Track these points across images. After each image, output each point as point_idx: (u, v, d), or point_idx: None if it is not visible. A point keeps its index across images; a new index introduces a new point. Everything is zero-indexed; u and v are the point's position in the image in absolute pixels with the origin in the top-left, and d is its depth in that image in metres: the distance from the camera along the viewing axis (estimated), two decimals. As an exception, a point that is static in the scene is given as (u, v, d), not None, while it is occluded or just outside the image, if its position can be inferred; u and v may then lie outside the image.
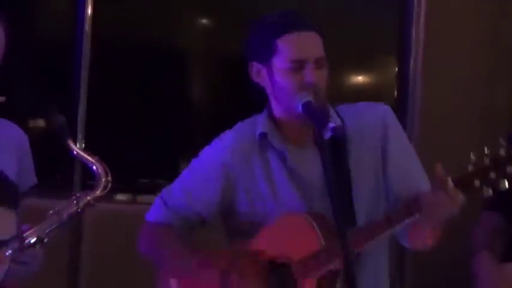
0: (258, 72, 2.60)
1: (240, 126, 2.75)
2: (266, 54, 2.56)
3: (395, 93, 4.39)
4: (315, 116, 2.39)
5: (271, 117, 2.64)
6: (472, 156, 2.34)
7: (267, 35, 2.60)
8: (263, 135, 2.61)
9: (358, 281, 2.34)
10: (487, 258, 3.38)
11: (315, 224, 2.50)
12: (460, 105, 4.29)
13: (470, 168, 2.32)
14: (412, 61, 4.31)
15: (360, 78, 4.51)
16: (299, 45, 2.56)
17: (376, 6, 4.41)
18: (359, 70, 4.51)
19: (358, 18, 4.36)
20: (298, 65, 2.50)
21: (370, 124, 2.65)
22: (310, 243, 2.52)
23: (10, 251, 2.44)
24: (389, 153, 2.65)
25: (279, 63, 2.54)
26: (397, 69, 4.35)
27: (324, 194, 2.49)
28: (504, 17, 4.38)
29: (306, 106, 2.42)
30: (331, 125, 2.34)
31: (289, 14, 2.63)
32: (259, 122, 2.67)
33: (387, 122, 2.67)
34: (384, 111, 2.70)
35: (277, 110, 2.63)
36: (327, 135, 2.34)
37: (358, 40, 4.27)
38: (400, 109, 4.22)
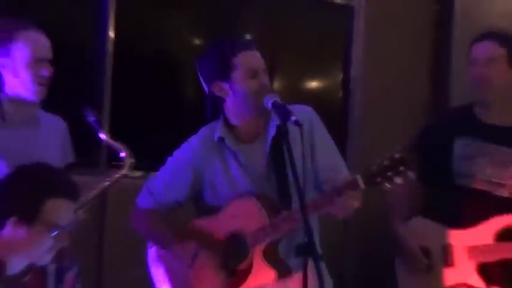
0: (220, 88, 3.31)
1: (202, 131, 3.47)
2: (226, 72, 3.30)
3: (341, 95, 5.31)
4: (281, 111, 3.07)
5: (227, 124, 3.39)
6: (378, 160, 3.10)
7: (224, 57, 3.33)
8: (221, 139, 3.36)
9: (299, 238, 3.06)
10: (395, 222, 4.13)
11: (259, 204, 3.27)
12: (392, 107, 5.20)
13: (372, 168, 3.09)
14: (353, 67, 5.15)
15: (309, 82, 5.31)
16: (252, 60, 3.33)
17: (325, 17, 5.19)
18: (309, 75, 5.30)
19: (308, 26, 5.12)
20: (254, 74, 3.27)
21: (305, 122, 3.26)
22: (258, 219, 3.28)
23: None
24: (316, 145, 3.38)
25: (238, 75, 3.29)
26: (342, 74, 5.25)
27: (270, 178, 3.31)
28: (439, 26, 5.41)
29: (275, 104, 3.12)
30: (293, 118, 3.01)
31: (235, 39, 3.54)
32: (217, 128, 3.40)
33: (312, 120, 3.40)
34: (309, 112, 3.43)
35: (232, 117, 3.40)
36: (292, 130, 3.03)
37: (308, 47, 5.09)
38: (344, 109, 5.20)
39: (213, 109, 3.54)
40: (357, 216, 3.52)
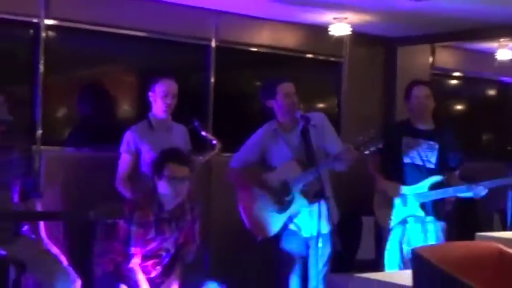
0: (270, 103, 4.96)
1: (265, 125, 5.08)
2: (273, 95, 4.95)
3: (336, 106, 7.01)
4: (304, 119, 4.79)
5: (277, 121, 5.01)
6: (360, 136, 4.70)
7: (272, 88, 4.95)
8: (275, 129, 5.00)
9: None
10: (375, 174, 5.53)
11: (297, 164, 4.84)
12: (365, 114, 6.95)
13: (358, 141, 4.66)
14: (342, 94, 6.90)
15: (320, 102, 7.10)
16: (287, 88, 4.94)
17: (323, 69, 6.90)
18: (321, 98, 7.08)
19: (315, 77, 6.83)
20: (288, 96, 4.90)
21: (318, 121, 4.92)
22: (297, 172, 4.82)
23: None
24: (326, 130, 4.97)
25: (279, 97, 4.94)
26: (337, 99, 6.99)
27: (302, 150, 4.83)
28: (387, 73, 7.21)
29: (301, 115, 4.83)
30: (312, 122, 4.79)
31: (279, 77, 5.05)
32: (273, 123, 5.02)
33: (324, 121, 5.03)
34: (322, 116, 5.10)
35: (279, 118, 4.99)
36: (310, 126, 4.75)
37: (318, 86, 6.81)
38: (338, 116, 6.88)
39: (270, 114, 5.06)
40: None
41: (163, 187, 4.55)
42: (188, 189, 4.65)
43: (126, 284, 4.53)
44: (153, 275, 4.66)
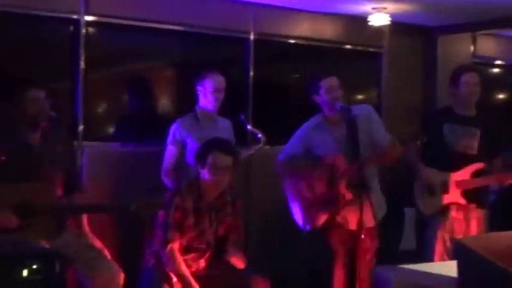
0: (315, 98, 5.02)
1: (312, 118, 5.14)
2: (317, 90, 5.01)
3: (376, 97, 7.03)
4: (346, 111, 4.82)
5: (323, 115, 5.09)
6: (405, 131, 4.93)
7: (316, 83, 5.00)
8: (320, 123, 5.07)
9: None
10: (416, 162, 5.43)
11: (343, 157, 4.84)
12: (406, 104, 6.98)
13: (403, 135, 4.75)
14: (382, 85, 6.95)
15: (362, 94, 7.10)
16: (329, 82, 4.98)
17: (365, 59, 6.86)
18: (362, 90, 7.07)
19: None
20: (330, 90, 4.94)
21: (365, 113, 5.00)
22: (343, 165, 4.86)
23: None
24: (373, 125, 5.01)
25: (322, 91, 4.99)
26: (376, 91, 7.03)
27: (347, 144, 4.81)
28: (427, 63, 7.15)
29: (341, 107, 4.86)
30: (354, 112, 4.77)
31: (323, 73, 5.06)
32: (318, 117, 5.10)
33: (371, 112, 5.09)
34: (369, 107, 5.18)
35: (325, 112, 5.05)
36: (357, 120, 4.74)
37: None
38: (381, 105, 6.90)
39: (316, 108, 5.15)
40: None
41: (205, 175, 4.56)
42: (230, 181, 4.67)
43: (169, 277, 4.54)
44: (196, 269, 4.66)
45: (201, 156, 4.59)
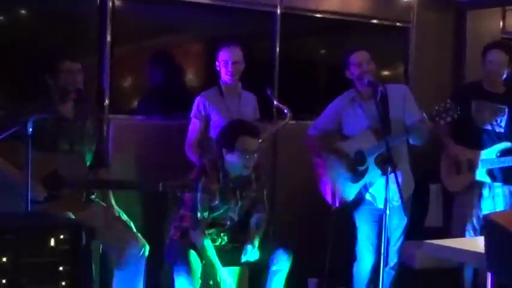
0: (347, 73, 4.99)
1: (346, 93, 5.12)
2: (347, 65, 4.99)
3: (403, 73, 6.86)
4: (373, 84, 4.82)
5: (356, 90, 5.03)
6: (436, 107, 4.62)
7: (347, 58, 4.98)
8: (353, 97, 5.03)
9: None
10: (444, 138, 5.47)
11: (373, 133, 4.85)
12: (434, 80, 6.80)
13: (433, 112, 4.60)
14: (410, 62, 6.77)
15: (391, 73, 6.95)
16: (360, 56, 4.96)
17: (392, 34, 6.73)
18: (390, 67, 6.94)
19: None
20: (359, 65, 4.91)
21: (400, 91, 5.03)
22: (372, 142, 4.83)
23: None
24: (407, 102, 4.98)
25: (352, 66, 4.97)
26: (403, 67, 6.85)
27: (379, 120, 4.71)
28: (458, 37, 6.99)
29: (369, 81, 4.85)
30: (380, 88, 4.80)
31: (353, 47, 5.08)
32: (352, 92, 5.05)
33: (405, 91, 5.09)
34: (404, 87, 5.26)
35: (357, 86, 5.00)
36: (381, 92, 4.77)
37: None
38: (409, 82, 6.69)
39: (342, 83, 5.10)
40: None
41: (233, 158, 4.58)
42: (255, 161, 4.67)
43: (194, 249, 4.57)
44: (218, 243, 4.71)
45: (229, 141, 4.58)
